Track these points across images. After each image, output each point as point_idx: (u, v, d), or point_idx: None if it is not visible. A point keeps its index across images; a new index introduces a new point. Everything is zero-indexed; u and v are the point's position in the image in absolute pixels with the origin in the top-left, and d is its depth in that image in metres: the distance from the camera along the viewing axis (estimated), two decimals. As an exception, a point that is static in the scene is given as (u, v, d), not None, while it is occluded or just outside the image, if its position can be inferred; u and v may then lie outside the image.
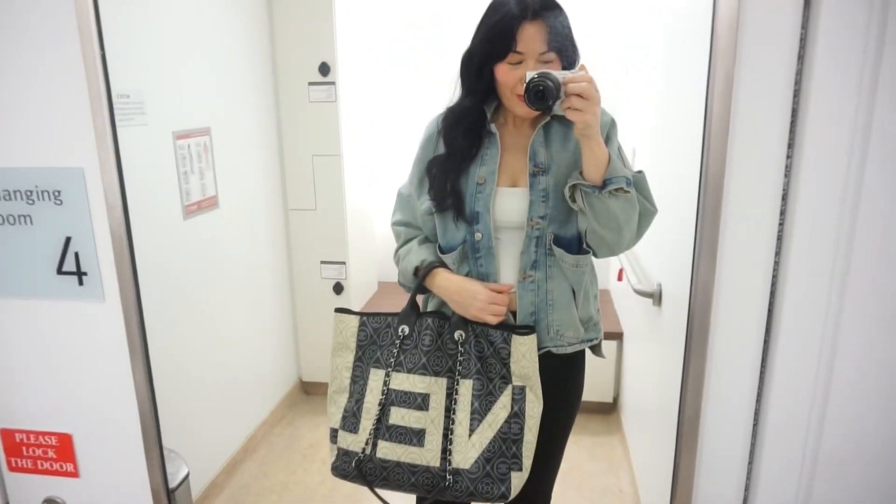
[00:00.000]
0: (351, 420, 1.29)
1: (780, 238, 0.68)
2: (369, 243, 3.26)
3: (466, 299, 1.27)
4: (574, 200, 1.24)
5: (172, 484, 1.28)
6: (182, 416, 2.18)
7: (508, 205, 1.30)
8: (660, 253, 2.18)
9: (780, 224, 0.67)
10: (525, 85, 1.14)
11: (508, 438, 1.22)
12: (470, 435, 1.21)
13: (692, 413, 0.78)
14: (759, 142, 0.66)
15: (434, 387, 1.25)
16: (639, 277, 2.23)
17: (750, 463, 0.77)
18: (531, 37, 1.18)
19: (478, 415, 1.22)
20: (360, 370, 1.32)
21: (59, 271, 0.75)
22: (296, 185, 2.90)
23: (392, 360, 1.28)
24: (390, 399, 1.26)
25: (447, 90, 1.37)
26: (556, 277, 1.31)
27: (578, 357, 1.42)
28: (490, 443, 1.21)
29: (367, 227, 3.21)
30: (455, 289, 1.30)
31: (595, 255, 1.33)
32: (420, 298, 1.41)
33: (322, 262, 2.96)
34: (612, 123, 1.29)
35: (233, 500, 2.42)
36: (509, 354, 1.25)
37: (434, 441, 1.22)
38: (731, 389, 0.75)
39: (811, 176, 0.63)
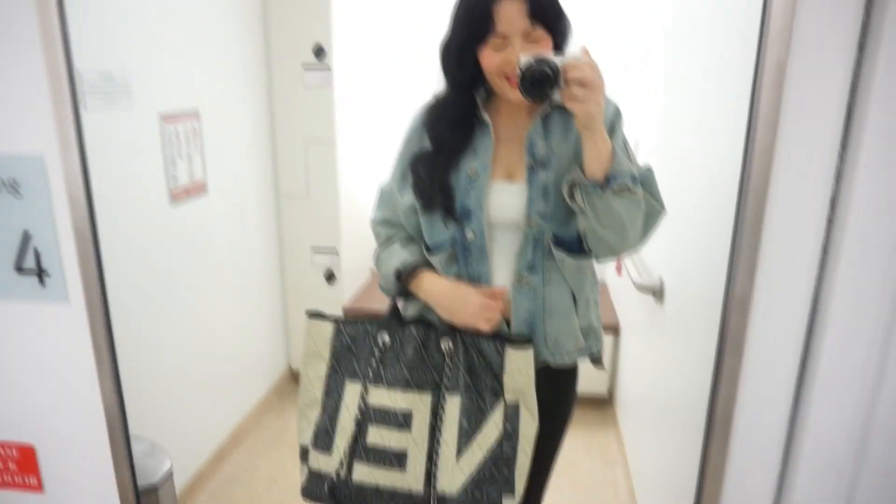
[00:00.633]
0: (324, 438, 1.16)
1: (826, 241, 0.62)
2: (362, 231, 3.18)
3: (456, 304, 1.15)
4: (573, 198, 1.11)
5: (154, 479, 1.22)
6: (166, 406, 2.12)
7: (504, 201, 1.17)
8: (662, 247, 2.12)
9: (829, 226, 0.61)
10: (519, 71, 1.03)
11: (500, 460, 1.10)
12: (457, 457, 1.10)
13: (724, 414, 0.72)
14: (810, 139, 0.59)
15: (417, 403, 1.13)
16: (639, 272, 2.18)
17: (783, 467, 0.72)
18: (511, 14, 1.05)
19: (466, 435, 1.10)
20: (335, 382, 1.19)
21: (19, 270, 0.68)
22: (288, 171, 2.82)
23: (371, 372, 1.16)
24: (368, 416, 1.14)
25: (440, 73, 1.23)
26: (555, 282, 1.19)
27: (575, 368, 1.32)
28: (479, 465, 1.09)
29: (360, 216, 3.13)
30: (443, 293, 1.18)
31: (595, 257, 1.22)
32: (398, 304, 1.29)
33: (314, 250, 2.89)
34: (617, 113, 1.16)
35: (220, 492, 2.37)
36: (502, 367, 1.12)
37: (417, 464, 1.11)
38: (768, 392, 0.69)
39: (864, 180, 0.57)
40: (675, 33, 1.99)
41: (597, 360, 1.31)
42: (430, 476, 1.10)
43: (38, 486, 0.76)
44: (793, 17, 0.54)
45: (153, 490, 1.27)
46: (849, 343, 0.63)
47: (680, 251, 1.88)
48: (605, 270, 3.27)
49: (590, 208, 1.08)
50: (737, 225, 0.67)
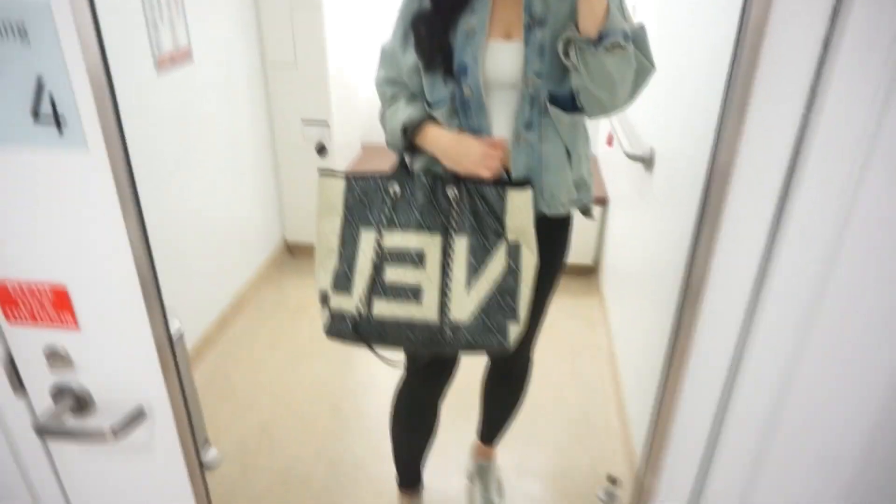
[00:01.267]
0: (343, 281, 1.24)
1: (807, 111, 0.65)
2: (353, 103, 3.14)
3: (460, 153, 1.22)
4: (567, 56, 1.15)
5: (167, 338, 1.31)
6: (167, 275, 2.19)
7: (501, 59, 1.21)
8: (653, 117, 2.13)
9: (811, 95, 0.64)
10: None
11: (505, 292, 1.20)
12: (467, 290, 1.19)
13: (698, 277, 0.78)
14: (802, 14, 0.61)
15: (429, 243, 1.20)
16: (631, 142, 2.20)
17: (747, 324, 0.79)
18: None
19: (474, 270, 1.19)
20: (350, 233, 1.26)
21: (36, 116, 0.69)
22: (274, 36, 2.72)
23: (384, 218, 1.23)
24: (384, 257, 1.21)
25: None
26: (550, 139, 1.26)
27: (568, 217, 1.42)
28: (487, 296, 1.19)
29: (350, 86, 3.07)
30: (447, 143, 1.23)
31: (588, 115, 1.27)
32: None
33: (304, 122, 2.86)
34: None
35: (226, 353, 2.51)
36: (504, 209, 1.20)
37: (431, 297, 1.19)
38: (739, 260, 0.75)
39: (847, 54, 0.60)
40: None
41: (587, 211, 1.41)
42: (443, 307, 1.19)
43: (74, 324, 0.82)
44: None
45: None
46: (815, 212, 0.69)
47: (671, 121, 1.89)
48: (596, 143, 3.28)
49: (583, 65, 1.13)
50: (727, 92, 0.69)
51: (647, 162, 2.07)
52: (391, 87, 1.35)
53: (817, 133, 0.65)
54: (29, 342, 0.84)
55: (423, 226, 1.21)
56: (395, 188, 1.24)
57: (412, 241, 1.21)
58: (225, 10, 2.47)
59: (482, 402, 1.81)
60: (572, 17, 1.14)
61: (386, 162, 1.33)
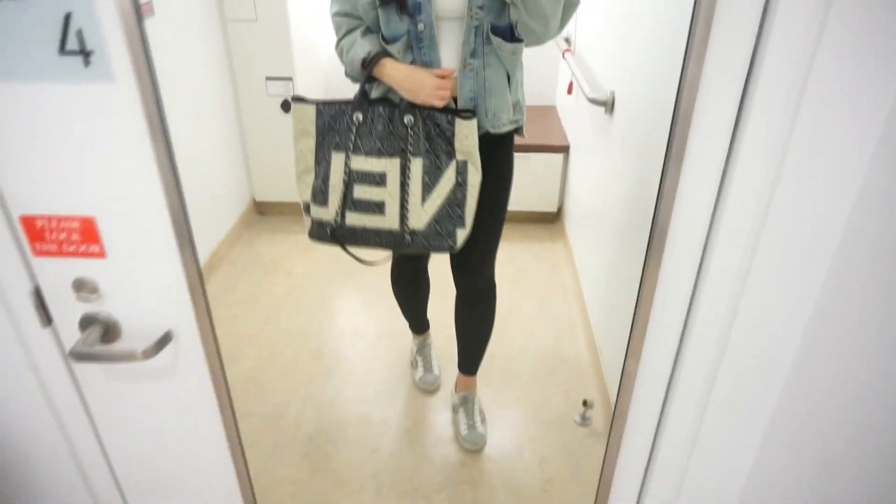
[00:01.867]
0: (320, 196, 1.46)
1: (754, 52, 0.74)
2: (316, 58, 3.13)
3: (415, 85, 1.38)
4: None
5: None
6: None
7: None
8: (612, 62, 2.22)
9: (758, 35, 0.73)
10: None
11: (454, 203, 1.43)
12: (422, 203, 1.41)
13: (664, 218, 0.86)
14: None
15: (389, 166, 1.40)
16: (592, 87, 2.29)
17: (701, 261, 0.89)
18: None
19: (428, 187, 1.41)
20: (322, 153, 1.45)
21: (62, 51, 0.73)
22: (232, -8, 2.68)
23: (350, 144, 1.41)
24: (352, 178, 1.42)
25: None
26: (493, 65, 1.43)
27: (509, 136, 1.59)
28: (439, 208, 1.42)
29: (311, 41, 3.05)
30: (404, 76, 1.39)
31: (525, 44, 1.44)
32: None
33: (267, 79, 2.84)
34: None
35: (204, 311, 2.54)
36: (454, 134, 1.39)
37: (393, 210, 1.42)
38: (699, 189, 0.84)
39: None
40: None
41: (519, 130, 1.60)
42: (403, 218, 1.42)
43: (102, 253, 0.87)
44: None
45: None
46: (757, 153, 0.79)
47: (631, 66, 1.98)
48: (555, 94, 3.36)
49: (521, 1, 1.29)
50: (691, 31, 0.76)
51: (608, 105, 2.17)
52: (346, 20, 1.48)
53: (762, 69, 0.74)
54: (56, 273, 0.88)
55: (383, 152, 1.40)
56: (359, 116, 1.41)
57: (375, 165, 1.41)
58: (182, -36, 2.43)
59: (457, 333, 1.96)
60: None
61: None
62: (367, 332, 2.46)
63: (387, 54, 1.42)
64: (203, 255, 2.71)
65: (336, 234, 1.47)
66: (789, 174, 0.79)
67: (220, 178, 2.88)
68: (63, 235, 0.85)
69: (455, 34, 1.40)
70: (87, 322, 0.92)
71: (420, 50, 1.41)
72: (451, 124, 1.39)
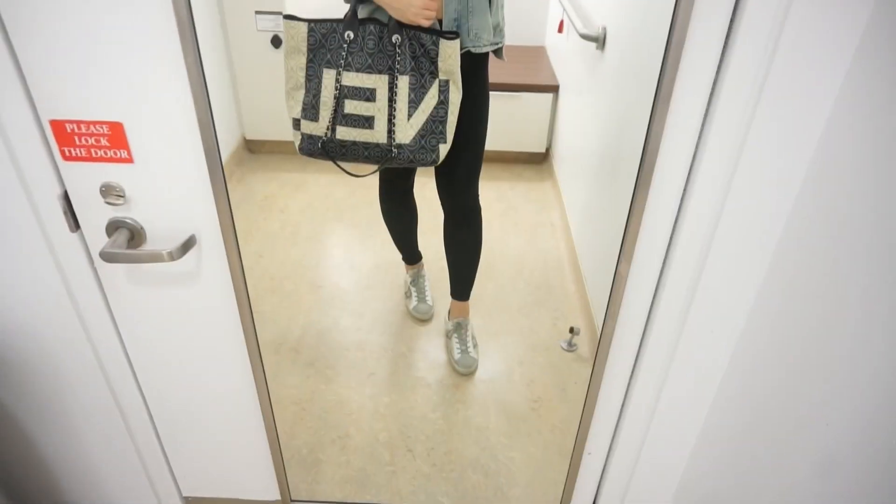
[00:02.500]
0: (311, 111, 1.53)
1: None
2: (303, -6, 3.08)
3: (403, 5, 1.45)
4: None
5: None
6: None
7: None
8: (605, -2, 2.24)
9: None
10: None
11: (437, 119, 1.53)
12: (408, 119, 1.51)
13: (651, 154, 0.92)
14: None
15: (378, 82, 1.48)
16: (583, 23, 2.31)
17: (684, 191, 0.96)
18: None
19: (413, 103, 1.50)
20: (313, 70, 1.50)
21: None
22: (220, -79, 2.62)
23: (342, 61, 1.48)
24: (343, 93, 1.49)
25: None
26: None
27: (486, 58, 1.67)
28: (423, 124, 1.52)
29: (299, -24, 3.01)
30: None
31: None
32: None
33: (257, 13, 2.81)
34: None
35: (200, 246, 2.58)
36: (437, 55, 1.47)
37: (381, 124, 1.51)
38: (685, 123, 0.90)
39: None
40: None
41: (498, 52, 1.68)
42: (390, 132, 1.52)
43: (130, 158, 0.91)
44: None
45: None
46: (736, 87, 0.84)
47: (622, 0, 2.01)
48: (544, 35, 3.37)
49: None
50: None
51: (599, 41, 2.20)
52: None
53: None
54: (84, 178, 0.92)
55: (373, 68, 1.48)
56: (350, 34, 1.47)
57: (365, 81, 1.48)
58: None
59: (447, 257, 2.05)
60: None
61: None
62: (362, 264, 2.53)
63: None
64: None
65: (326, 147, 1.55)
66: (770, 96, 0.85)
67: (210, 115, 2.88)
68: (92, 140, 0.89)
69: None
70: (112, 227, 0.97)
71: None
72: (436, 45, 1.46)
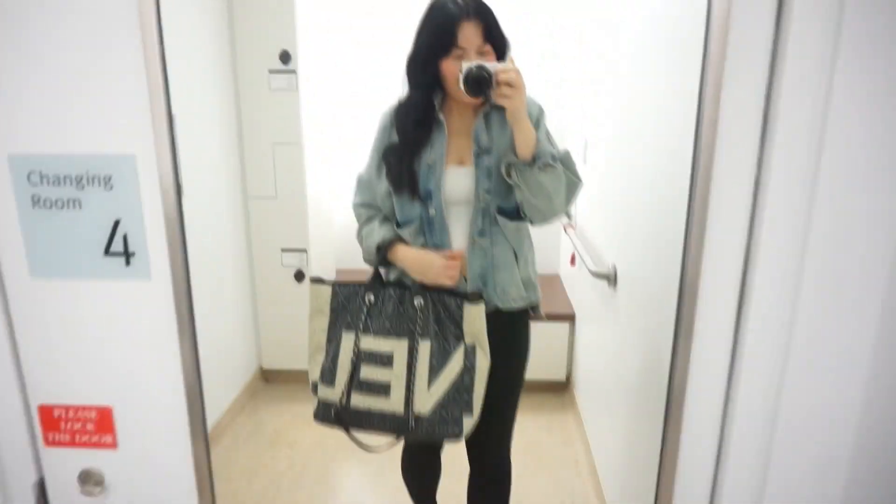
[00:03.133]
0: (328, 375, 1.46)
1: (750, 228, 0.80)
2: (328, 231, 3.29)
3: (424, 267, 1.46)
4: (510, 176, 1.43)
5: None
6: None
7: (457, 182, 1.48)
8: (614, 238, 2.32)
9: (752, 213, 0.80)
10: (462, 76, 1.31)
11: (461, 388, 1.41)
12: (429, 387, 1.40)
13: (679, 390, 0.88)
14: (739, 142, 0.78)
15: (397, 347, 1.42)
16: (594, 260, 2.38)
17: (722, 430, 0.89)
18: (470, 33, 1.37)
19: (435, 370, 1.41)
20: (334, 332, 1.48)
21: (107, 253, 0.78)
22: (256, 173, 2.89)
23: (361, 324, 1.45)
24: (361, 358, 1.43)
25: (404, 80, 1.51)
26: (500, 243, 1.51)
27: (523, 315, 1.62)
28: (445, 392, 1.40)
29: (325, 215, 3.23)
30: (414, 259, 1.48)
31: (531, 222, 1.52)
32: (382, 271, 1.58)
33: (283, 250, 2.97)
34: (541, 111, 1.49)
35: (201, 487, 2.42)
36: (462, 318, 1.43)
37: (398, 392, 1.40)
38: (710, 368, 0.87)
39: (778, 184, 0.76)
40: (625, 49, 2.20)
41: (535, 309, 1.63)
42: (408, 402, 1.40)
43: (113, 444, 0.86)
44: (728, 29, 0.73)
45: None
46: (766, 321, 0.83)
47: (631, 241, 2.08)
48: (558, 264, 3.48)
49: (522, 182, 1.41)
50: (689, 217, 0.83)
51: (611, 279, 2.24)
52: (366, 209, 1.61)
53: (759, 250, 0.80)
54: (64, 464, 0.87)
55: (391, 332, 1.43)
56: (370, 297, 1.47)
57: (383, 346, 1.43)
58: (213, 150, 2.65)
59: None
60: (511, 145, 1.42)
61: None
62: (371, 511, 2.33)
63: (400, 239, 1.51)
64: (207, 425, 2.64)
65: (340, 416, 1.44)
66: (799, 344, 0.80)
67: (230, 347, 2.90)
68: (78, 425, 0.85)
69: (464, 217, 1.51)
70: (88, 516, 0.89)
71: (431, 233, 1.51)
72: (460, 308, 1.42)
